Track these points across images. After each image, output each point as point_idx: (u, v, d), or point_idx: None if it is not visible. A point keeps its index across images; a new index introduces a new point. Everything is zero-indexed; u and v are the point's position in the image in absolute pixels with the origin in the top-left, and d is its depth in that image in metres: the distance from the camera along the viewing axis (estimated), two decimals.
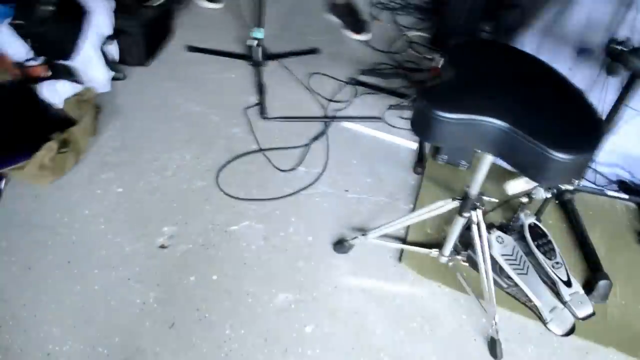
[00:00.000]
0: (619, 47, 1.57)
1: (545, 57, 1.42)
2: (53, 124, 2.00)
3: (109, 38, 2.28)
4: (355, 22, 2.84)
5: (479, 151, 1.48)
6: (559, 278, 1.77)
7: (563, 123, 1.27)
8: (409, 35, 2.89)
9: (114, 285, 1.65)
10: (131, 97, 2.30)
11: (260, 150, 2.14)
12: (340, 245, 1.82)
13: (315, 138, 2.23)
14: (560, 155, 1.15)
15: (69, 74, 2.15)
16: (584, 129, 1.27)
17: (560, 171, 1.19)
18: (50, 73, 2.15)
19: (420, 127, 1.31)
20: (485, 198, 1.57)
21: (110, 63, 2.29)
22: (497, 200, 1.72)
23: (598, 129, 1.28)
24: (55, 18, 2.10)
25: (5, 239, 1.73)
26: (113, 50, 2.33)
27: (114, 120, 2.19)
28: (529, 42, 2.10)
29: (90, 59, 2.22)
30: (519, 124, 1.20)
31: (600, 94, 1.81)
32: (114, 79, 2.33)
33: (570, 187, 1.92)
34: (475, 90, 1.34)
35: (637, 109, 1.85)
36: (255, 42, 2.41)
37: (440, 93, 1.33)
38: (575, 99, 1.35)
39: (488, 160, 1.41)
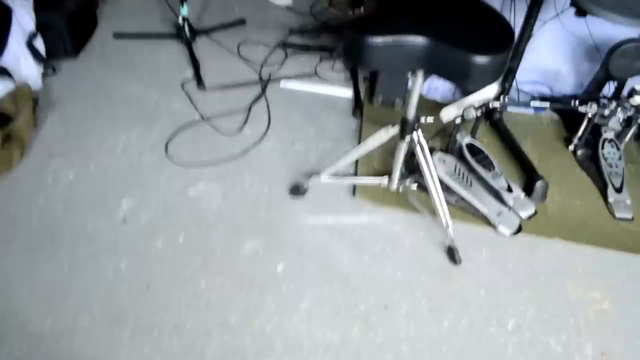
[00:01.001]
0: None
1: None
2: None
3: (34, 34, 2.27)
4: None
5: (409, 72, 1.59)
6: (500, 186, 1.92)
7: (478, 32, 1.40)
8: None
9: (83, 261, 1.68)
10: (65, 89, 2.30)
11: (204, 119, 2.19)
12: (296, 189, 1.91)
13: (255, 101, 2.30)
14: (480, 58, 1.28)
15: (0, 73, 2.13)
16: (497, 33, 1.40)
17: (482, 73, 1.32)
18: None
19: (353, 55, 1.41)
20: (422, 120, 1.69)
21: (38, 58, 2.28)
22: (432, 121, 1.84)
23: (509, 31, 1.42)
24: None
25: None
26: (39, 45, 2.31)
27: (53, 113, 2.18)
28: None
29: (18, 56, 2.20)
30: (440, 37, 1.32)
31: (509, 14, 1.96)
32: (44, 74, 2.31)
33: (497, 105, 2.06)
34: (398, 16, 1.45)
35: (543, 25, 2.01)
36: (181, 20, 2.45)
37: (367, 22, 1.43)
38: (485, 12, 1.48)
39: (419, 80, 1.51)
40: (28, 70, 2.24)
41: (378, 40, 1.34)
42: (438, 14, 1.45)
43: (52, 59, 2.38)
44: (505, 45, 1.36)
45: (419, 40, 1.33)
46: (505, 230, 1.84)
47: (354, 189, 1.95)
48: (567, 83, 2.32)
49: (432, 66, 1.38)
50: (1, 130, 1.93)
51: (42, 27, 2.30)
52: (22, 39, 2.23)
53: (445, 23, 1.41)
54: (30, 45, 2.26)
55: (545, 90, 2.33)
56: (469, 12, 1.49)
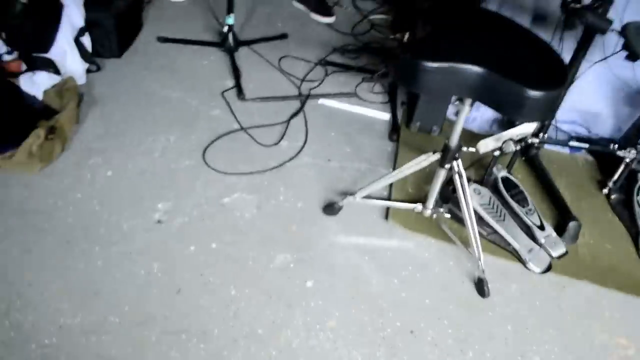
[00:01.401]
0: (574, 4, 1.72)
1: None
2: (36, 114, 2.03)
3: (82, 30, 2.31)
4: (320, 6, 2.96)
5: (458, 100, 1.60)
6: (533, 223, 1.92)
7: (532, 65, 1.41)
8: (370, 18, 3.02)
9: (117, 259, 1.70)
10: (108, 87, 2.33)
11: (242, 128, 2.22)
12: (330, 207, 1.92)
13: (294, 115, 2.32)
14: (533, 92, 1.29)
15: (46, 66, 2.17)
16: (551, 69, 1.41)
17: (535, 107, 1.33)
18: (25, 67, 2.17)
19: (407, 78, 1.42)
20: (464, 149, 1.70)
21: (84, 54, 2.32)
22: (474, 150, 1.85)
23: (562, 69, 1.43)
24: (31, 11, 2.13)
25: (0, 226, 1.75)
26: (86, 42, 2.36)
27: (94, 110, 2.22)
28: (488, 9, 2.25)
29: (65, 51, 2.25)
30: (496, 68, 1.33)
31: (558, 51, 1.97)
32: (88, 70, 2.36)
33: (536, 142, 2.07)
34: (452, 42, 1.47)
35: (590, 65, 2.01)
36: (227, 28, 2.49)
37: (424, 46, 1.45)
38: (539, 46, 1.50)
39: (466, 108, 1.53)
40: (74, 65, 2.28)
41: (434, 65, 1.36)
42: (493, 44, 1.47)
43: (97, 57, 2.42)
44: (559, 83, 1.38)
45: (474, 69, 1.34)
46: (535, 267, 1.84)
47: (387, 212, 1.96)
48: (605, 125, 2.32)
49: (484, 96, 1.39)
50: (46, 122, 1.97)
51: (90, 24, 2.35)
52: (70, 34, 2.28)
53: (500, 53, 1.43)
54: (77, 41, 2.30)
55: (583, 131, 2.33)
56: (524, 44, 1.50)
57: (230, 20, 2.47)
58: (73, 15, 2.29)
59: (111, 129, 2.15)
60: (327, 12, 2.95)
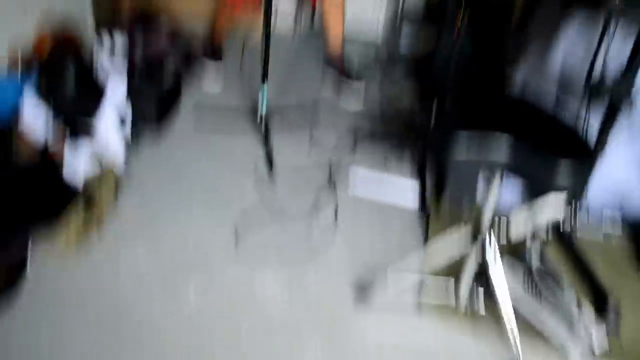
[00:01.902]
0: (597, 80, 1.75)
1: (530, 95, 1.60)
2: (75, 195, 2.11)
3: (124, 114, 2.43)
4: (350, 72, 3.06)
5: (489, 171, 1.61)
6: (571, 310, 1.86)
7: (561, 137, 1.43)
8: (400, 90, 3.09)
9: (147, 354, 1.70)
10: (145, 167, 2.43)
11: (273, 206, 2.26)
12: (362, 292, 1.90)
13: (324, 190, 2.36)
14: (563, 161, 1.30)
15: (89, 148, 2.27)
16: (579, 142, 1.42)
17: (564, 177, 1.33)
18: (68, 148, 2.28)
19: (439, 148, 1.45)
20: (496, 223, 1.68)
21: (125, 138, 2.43)
22: (507, 219, 1.84)
23: (588, 144, 1.44)
24: (76, 94, 2.25)
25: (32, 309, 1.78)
26: (127, 124, 2.47)
27: (131, 191, 2.30)
28: (513, 85, 2.29)
29: (107, 136, 2.36)
30: (525, 137, 1.35)
31: (583, 127, 1.97)
32: (128, 151, 2.46)
33: (568, 223, 2.04)
34: (481, 114, 1.50)
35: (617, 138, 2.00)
36: (260, 98, 2.57)
37: (452, 117, 1.48)
38: (564, 125, 1.52)
39: (497, 181, 1.53)
40: (115, 149, 2.38)
41: (464, 134, 1.38)
42: (522, 120, 1.50)
43: (136, 137, 2.52)
44: (587, 153, 1.39)
45: (504, 137, 1.36)
46: (575, 358, 1.76)
47: (420, 300, 1.93)
48: (638, 202, 2.28)
49: (514, 167, 1.40)
50: (84, 205, 2.04)
51: (132, 106, 2.47)
52: (112, 118, 2.39)
53: (529, 127, 1.45)
54: (119, 124, 2.42)
55: (615, 210, 2.29)
56: (549, 120, 1.53)
57: (264, 91, 2.55)
58: (116, 101, 2.42)
59: (146, 211, 2.21)
60: (356, 77, 3.05)
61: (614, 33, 1.84)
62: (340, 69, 3.08)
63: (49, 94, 2.21)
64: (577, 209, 2.05)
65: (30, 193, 2.05)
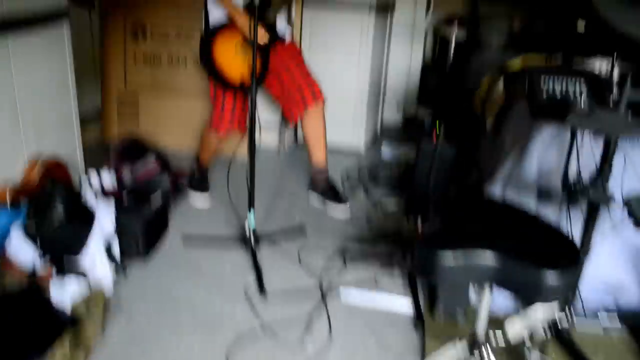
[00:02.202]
0: (573, 183, 1.82)
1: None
2: (62, 323, 2.06)
3: (112, 237, 2.45)
4: (335, 195, 3.14)
5: (478, 285, 1.62)
6: None
7: (546, 243, 1.46)
8: (383, 204, 3.17)
9: None
10: (134, 291, 2.39)
11: (264, 328, 2.21)
12: None
13: (315, 309, 2.33)
14: (549, 272, 1.32)
15: (76, 274, 2.26)
16: (563, 248, 1.45)
17: (552, 287, 1.34)
18: (55, 274, 2.27)
19: (423, 268, 1.47)
20: (491, 333, 1.67)
21: (112, 261, 2.42)
22: (501, 336, 1.81)
23: (574, 247, 1.47)
24: (65, 221, 2.28)
25: None
26: (115, 249, 2.47)
27: (119, 315, 2.25)
28: (493, 194, 2.36)
29: (95, 258, 2.36)
30: (508, 251, 1.38)
31: (567, 227, 2.03)
32: (116, 275, 2.44)
33: (564, 321, 2.03)
34: (464, 231, 1.54)
35: (603, 234, 2.05)
36: (247, 225, 2.61)
37: (435, 236, 1.52)
38: (547, 227, 1.56)
39: (487, 294, 1.54)
40: (102, 272, 2.37)
41: (448, 254, 1.41)
42: (504, 230, 1.53)
43: (124, 260, 2.51)
44: (573, 260, 1.41)
45: (488, 253, 1.39)
46: None
47: None
48: (631, 293, 2.28)
49: (501, 280, 1.42)
50: (71, 331, 1.99)
51: (120, 230, 2.49)
52: (101, 242, 2.40)
53: (512, 238, 1.48)
54: (106, 249, 2.42)
55: (610, 302, 2.28)
56: (531, 227, 1.57)
57: (252, 223, 2.61)
58: (104, 224, 2.44)
59: (136, 336, 2.15)
60: (341, 200, 3.13)
61: (582, 139, 1.95)
62: (326, 186, 3.17)
63: (37, 229, 2.24)
64: (572, 308, 2.04)
65: (15, 322, 2.00)
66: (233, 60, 2.75)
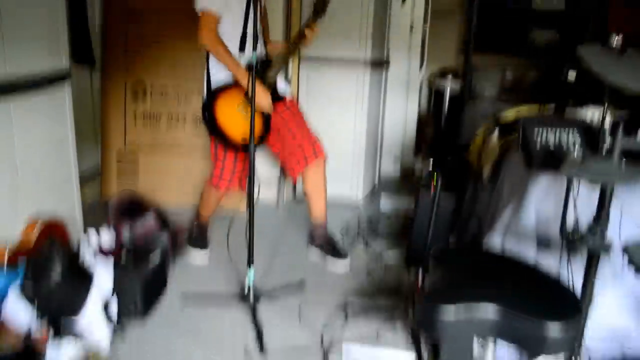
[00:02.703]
0: (572, 232, 1.81)
1: (511, 253, 1.65)
2: None
3: (110, 297, 2.42)
4: (335, 249, 3.12)
5: (481, 341, 1.59)
6: None
7: (546, 298, 1.44)
8: (383, 257, 3.15)
9: None
10: (131, 351, 2.35)
11: None
12: None
13: None
14: (552, 324, 1.30)
15: (73, 334, 2.23)
16: (564, 299, 1.44)
17: (555, 339, 1.32)
18: (53, 337, 2.23)
19: (426, 323, 1.45)
20: None
21: (110, 322, 2.39)
22: None
23: (574, 298, 1.45)
24: (63, 281, 2.25)
25: None
26: (113, 308, 2.44)
27: None
28: (493, 244, 2.35)
29: (92, 319, 2.32)
30: (510, 304, 1.37)
31: (568, 275, 2.01)
32: (114, 334, 2.40)
33: None
34: (465, 285, 1.52)
35: (605, 282, 2.03)
36: (247, 282, 2.59)
37: (436, 291, 1.50)
38: (547, 279, 1.55)
39: (491, 349, 1.51)
40: (100, 332, 2.33)
41: (450, 309, 1.39)
42: (504, 283, 1.52)
43: (122, 318, 2.47)
44: (575, 311, 1.39)
45: (490, 307, 1.37)
46: None
47: None
48: (638, 341, 2.24)
49: (503, 332, 1.40)
50: None
51: (117, 289, 2.46)
52: (99, 303, 2.37)
53: (512, 291, 1.47)
54: (104, 309, 2.39)
55: (616, 350, 2.24)
56: (530, 279, 1.55)
57: (251, 280, 2.59)
58: (102, 284, 2.42)
59: None
60: (341, 255, 3.11)
61: (578, 187, 1.96)
62: (325, 241, 3.17)
63: (34, 290, 2.22)
64: (576, 350, 2.00)
65: None
66: (235, 119, 2.81)
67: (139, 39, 3.80)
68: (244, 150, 2.83)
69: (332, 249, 3.14)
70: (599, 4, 4.48)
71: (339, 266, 3.09)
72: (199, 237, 3.24)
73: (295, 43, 2.86)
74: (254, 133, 2.47)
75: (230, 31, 2.74)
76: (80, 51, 3.74)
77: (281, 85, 2.97)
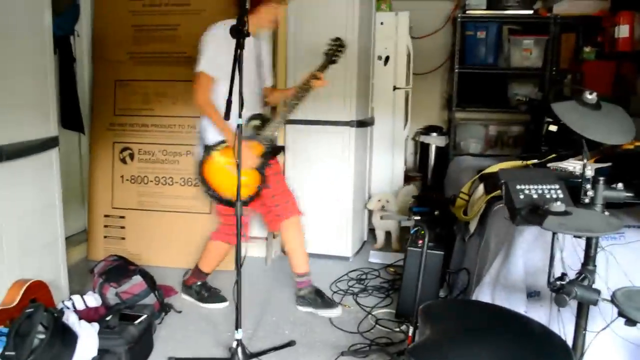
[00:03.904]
0: (559, 282, 1.81)
1: (500, 305, 1.65)
2: None
3: (95, 359, 2.36)
4: (324, 302, 3.12)
5: None
6: None
7: (537, 351, 1.43)
8: (373, 313, 3.11)
9: None
10: None
11: None
12: None
13: None
14: None
15: None
16: (557, 352, 1.43)
17: None
18: None
19: None
20: None
21: None
22: None
23: (567, 350, 1.44)
24: (47, 344, 2.20)
25: None
26: None
27: None
28: (482, 296, 2.34)
29: None
30: (501, 359, 1.35)
31: (559, 326, 2.00)
32: None
33: None
34: (454, 339, 1.51)
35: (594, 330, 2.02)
36: (236, 343, 2.53)
37: (427, 347, 1.49)
38: (538, 331, 1.54)
39: None
40: None
41: None
42: (497, 335, 1.51)
43: None
44: None
45: None
46: None
47: None
48: None
49: None
50: None
51: (103, 352, 2.40)
52: None
53: (506, 343, 1.46)
54: None
55: None
56: (525, 331, 1.55)
57: (239, 334, 2.53)
58: (87, 346, 2.36)
59: None
60: (331, 306, 3.11)
61: (564, 238, 1.97)
62: (312, 293, 3.16)
63: (17, 354, 2.16)
64: None
65: None
66: (226, 177, 2.85)
67: (126, 107, 3.88)
68: (231, 206, 2.85)
69: (322, 302, 3.13)
70: (575, 61, 4.67)
71: (331, 314, 3.09)
72: (210, 293, 3.26)
73: (302, 91, 2.94)
74: (240, 193, 2.48)
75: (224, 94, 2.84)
76: (69, 118, 3.81)
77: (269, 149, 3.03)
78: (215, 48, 2.82)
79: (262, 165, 2.93)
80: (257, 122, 2.95)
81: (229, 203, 2.86)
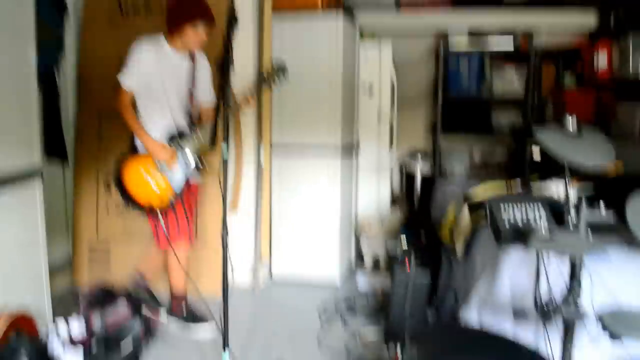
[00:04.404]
0: (547, 305, 1.84)
1: (488, 325, 1.66)
2: None
3: None
4: (195, 316, 3.21)
5: None
6: None
7: None
8: (362, 334, 3.10)
9: None
10: None
11: None
12: None
13: None
14: None
15: None
16: None
17: None
18: None
19: None
20: None
21: None
22: None
23: None
24: None
25: None
26: None
27: None
28: (469, 318, 2.35)
29: None
30: None
31: (546, 347, 2.01)
32: None
33: None
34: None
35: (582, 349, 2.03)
36: None
37: None
38: (525, 352, 1.55)
39: None
40: None
41: None
42: (483, 356, 1.52)
43: None
44: None
45: None
46: None
47: None
48: None
49: None
50: None
51: None
52: None
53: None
54: None
55: None
56: (512, 352, 1.55)
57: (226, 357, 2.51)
58: None
59: None
60: (202, 319, 3.19)
61: (549, 259, 2.00)
62: (186, 311, 3.22)
63: None
64: None
65: None
66: (141, 183, 2.94)
67: (111, 136, 3.82)
68: (150, 214, 3.01)
69: (192, 316, 3.21)
70: (556, 89, 4.77)
71: (203, 331, 3.13)
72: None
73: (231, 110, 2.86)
74: (226, 215, 2.47)
75: (152, 108, 2.95)
76: (53, 146, 3.78)
77: (191, 168, 3.05)
78: (138, 61, 2.85)
79: (179, 180, 2.98)
80: (177, 137, 2.99)
81: (139, 208, 2.96)
